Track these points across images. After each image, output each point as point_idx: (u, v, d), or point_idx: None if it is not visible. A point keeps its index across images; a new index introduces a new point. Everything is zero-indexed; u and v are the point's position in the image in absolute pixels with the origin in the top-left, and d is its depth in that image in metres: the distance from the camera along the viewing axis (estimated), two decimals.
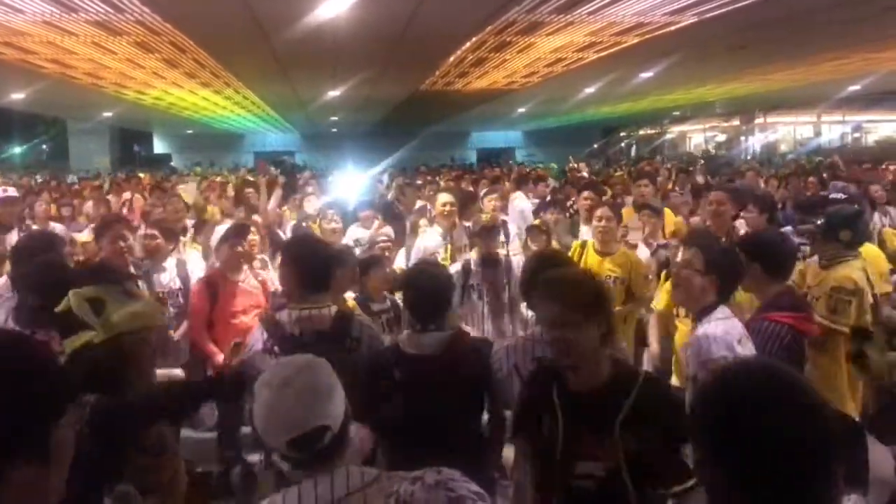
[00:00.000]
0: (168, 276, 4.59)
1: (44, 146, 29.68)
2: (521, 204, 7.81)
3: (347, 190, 8.24)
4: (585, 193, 6.09)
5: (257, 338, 2.85)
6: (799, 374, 1.35)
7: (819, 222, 3.75)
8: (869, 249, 3.81)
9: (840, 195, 5.94)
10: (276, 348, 2.75)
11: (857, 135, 28.46)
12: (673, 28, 8.50)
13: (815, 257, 3.80)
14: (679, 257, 4.11)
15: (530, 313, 3.49)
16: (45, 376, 1.12)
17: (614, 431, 2.05)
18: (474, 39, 9.25)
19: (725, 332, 2.65)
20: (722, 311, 2.77)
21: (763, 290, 3.12)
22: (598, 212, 4.73)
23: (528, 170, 15.02)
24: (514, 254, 5.94)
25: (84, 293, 2.19)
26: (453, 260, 4.99)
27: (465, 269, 4.53)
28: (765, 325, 2.91)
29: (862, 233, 3.90)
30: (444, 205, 5.35)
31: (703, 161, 17.74)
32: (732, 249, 3.09)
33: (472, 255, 4.74)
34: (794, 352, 2.89)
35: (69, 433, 1.13)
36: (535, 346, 2.75)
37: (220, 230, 4.65)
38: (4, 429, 1.04)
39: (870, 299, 3.53)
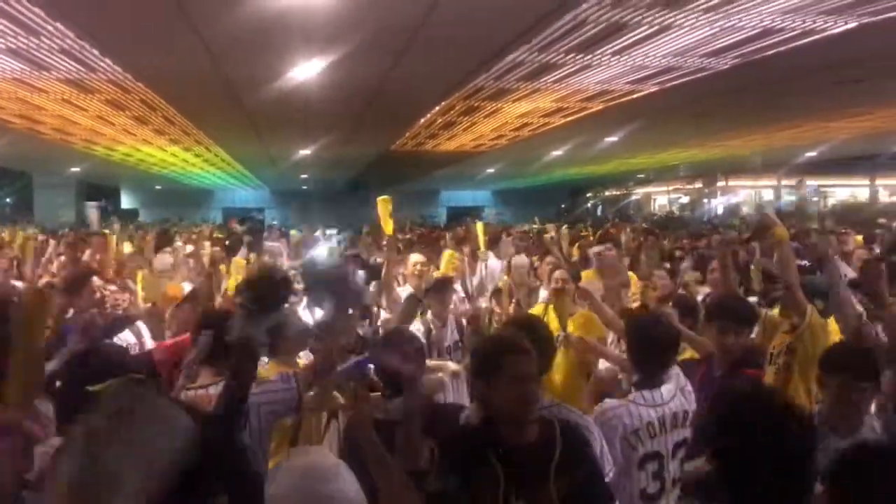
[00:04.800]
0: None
1: (7, 199, 29.21)
2: (492, 263, 7.84)
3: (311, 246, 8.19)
4: (548, 258, 6.21)
5: None
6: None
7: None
8: (832, 324, 3.82)
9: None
10: None
11: (815, 198, 29.31)
12: (636, 96, 8.79)
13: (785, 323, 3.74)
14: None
15: None
16: None
17: (549, 477, 2.17)
18: (443, 104, 9.45)
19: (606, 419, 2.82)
20: (635, 395, 2.91)
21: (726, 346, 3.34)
22: (556, 274, 4.80)
23: (500, 229, 15.06)
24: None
25: None
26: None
27: (427, 329, 4.56)
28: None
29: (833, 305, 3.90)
30: (416, 265, 5.44)
31: (668, 226, 17.92)
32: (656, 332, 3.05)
33: (429, 315, 4.76)
34: None
35: None
36: None
37: None
38: None
39: None
